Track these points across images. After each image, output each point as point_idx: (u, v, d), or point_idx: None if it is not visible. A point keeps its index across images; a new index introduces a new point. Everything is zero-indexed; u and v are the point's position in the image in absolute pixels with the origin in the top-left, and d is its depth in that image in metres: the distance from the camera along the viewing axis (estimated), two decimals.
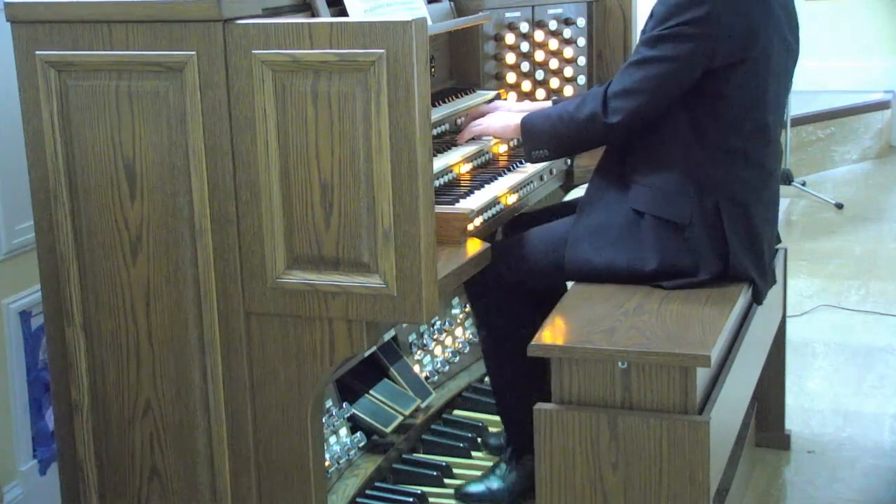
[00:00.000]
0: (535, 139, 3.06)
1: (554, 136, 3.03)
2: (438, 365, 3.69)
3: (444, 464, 3.36)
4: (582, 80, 3.76)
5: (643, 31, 2.93)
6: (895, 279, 5.37)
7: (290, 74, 2.39)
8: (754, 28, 2.84)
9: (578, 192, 3.74)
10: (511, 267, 3.05)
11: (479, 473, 3.33)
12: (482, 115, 3.35)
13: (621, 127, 2.90)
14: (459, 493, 3.24)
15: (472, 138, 3.32)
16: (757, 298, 3.06)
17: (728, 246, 2.89)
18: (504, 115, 3.30)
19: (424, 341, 3.64)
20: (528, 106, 3.43)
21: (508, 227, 3.35)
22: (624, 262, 2.91)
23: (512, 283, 3.07)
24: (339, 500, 3.05)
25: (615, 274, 2.93)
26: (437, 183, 3.04)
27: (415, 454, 3.44)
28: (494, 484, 3.22)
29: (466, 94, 3.54)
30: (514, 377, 3.15)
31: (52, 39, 2.55)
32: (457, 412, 3.66)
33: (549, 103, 3.46)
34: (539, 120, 3.07)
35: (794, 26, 3.04)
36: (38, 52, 2.56)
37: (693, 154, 2.89)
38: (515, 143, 3.41)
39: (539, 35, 3.73)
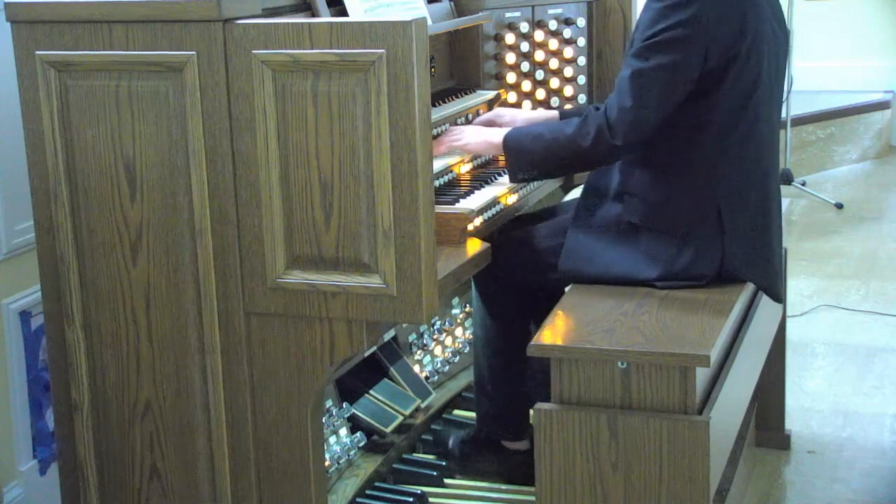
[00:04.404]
0: (523, 160, 2.98)
1: (548, 159, 2.95)
2: (438, 365, 3.69)
3: (444, 464, 3.36)
4: (582, 80, 3.76)
5: (632, 43, 2.88)
6: (895, 279, 5.37)
7: (290, 74, 2.39)
8: (742, 22, 2.82)
9: (578, 193, 3.75)
10: (510, 259, 3.04)
11: (478, 474, 3.35)
12: (489, 121, 3.31)
13: (630, 146, 2.85)
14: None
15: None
16: (776, 297, 3.06)
17: (728, 249, 2.87)
18: (482, 131, 3.18)
19: (424, 341, 3.64)
20: (530, 115, 3.40)
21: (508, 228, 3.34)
22: (619, 274, 2.91)
23: (510, 275, 3.07)
24: (339, 500, 3.05)
25: (609, 283, 2.93)
26: (437, 183, 3.04)
27: (415, 454, 3.44)
28: (455, 445, 3.34)
29: (466, 94, 3.54)
30: (504, 369, 3.17)
31: (52, 39, 2.55)
32: (457, 412, 3.66)
33: (537, 113, 3.42)
34: (528, 141, 2.99)
35: (779, 16, 3.02)
36: (38, 52, 2.56)
37: (689, 161, 2.87)
38: None
39: (539, 35, 3.73)
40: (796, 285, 5.13)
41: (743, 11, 2.83)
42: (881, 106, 7.63)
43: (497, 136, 3.08)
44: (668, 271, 2.87)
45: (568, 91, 3.76)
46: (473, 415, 3.64)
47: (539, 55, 3.74)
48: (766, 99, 2.94)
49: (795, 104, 6.83)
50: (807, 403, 4.09)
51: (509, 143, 3.01)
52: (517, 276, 3.09)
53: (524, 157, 2.98)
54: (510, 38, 3.70)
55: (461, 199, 2.94)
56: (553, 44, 3.75)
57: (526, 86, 3.74)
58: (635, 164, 2.93)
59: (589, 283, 2.95)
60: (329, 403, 3.14)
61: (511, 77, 3.72)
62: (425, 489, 3.24)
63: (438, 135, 3.24)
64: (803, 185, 6.67)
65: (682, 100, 2.82)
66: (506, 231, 3.10)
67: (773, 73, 2.95)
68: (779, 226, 3.07)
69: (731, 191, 2.89)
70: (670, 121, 2.85)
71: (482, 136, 3.15)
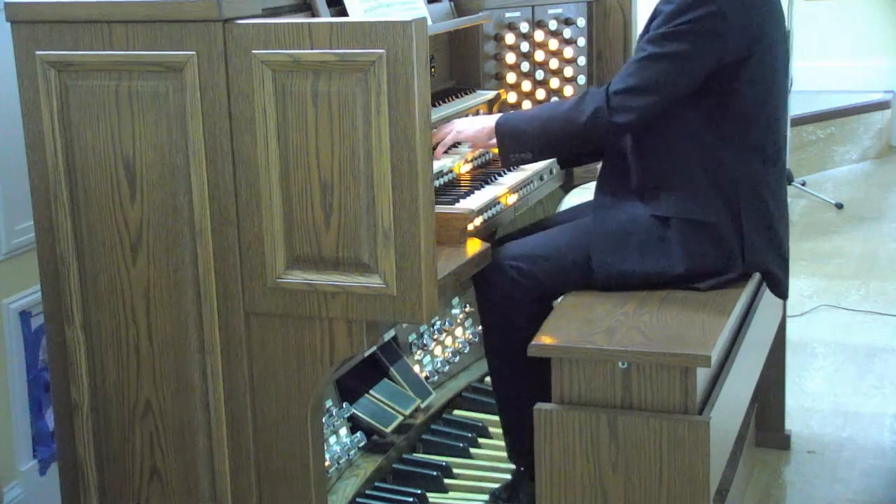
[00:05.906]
0: (516, 142, 2.97)
1: (542, 138, 2.94)
2: (438, 365, 3.69)
3: (444, 464, 3.36)
4: (582, 80, 3.76)
5: (646, 30, 2.88)
6: (895, 279, 5.37)
7: (290, 74, 2.39)
8: (760, 22, 2.84)
9: (578, 193, 3.75)
10: (537, 268, 2.93)
11: (478, 473, 3.34)
12: (442, 137, 3.18)
13: (627, 126, 2.86)
14: None
15: (447, 150, 3.21)
16: (781, 293, 3.06)
17: (746, 241, 2.88)
18: (475, 119, 3.19)
19: (424, 341, 3.64)
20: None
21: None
22: (652, 270, 2.88)
23: (534, 286, 2.95)
24: (339, 500, 3.05)
25: (645, 281, 2.89)
26: (437, 183, 3.04)
27: (415, 454, 3.44)
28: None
29: (466, 94, 3.54)
30: (525, 386, 3.03)
31: (52, 39, 2.55)
32: (457, 412, 3.66)
33: None
34: (521, 122, 2.99)
35: (782, 18, 3.05)
36: (38, 52, 2.56)
37: (711, 153, 2.87)
38: None
39: (539, 35, 3.73)
40: (796, 285, 5.12)
41: (761, 13, 2.85)
42: (881, 106, 7.63)
43: (489, 120, 3.08)
44: (703, 263, 2.86)
45: (568, 91, 3.75)
46: (473, 415, 3.65)
47: (539, 55, 3.74)
48: (781, 98, 2.97)
49: (795, 104, 6.82)
50: (807, 403, 4.09)
51: (501, 127, 3.01)
52: (546, 290, 2.98)
53: (517, 137, 2.98)
54: (510, 38, 3.70)
55: (461, 199, 2.94)
56: (553, 44, 3.75)
57: (526, 86, 3.74)
58: (656, 159, 2.91)
59: (625, 283, 2.89)
60: (329, 403, 3.14)
61: (511, 77, 3.72)
62: (425, 489, 3.24)
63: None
64: (803, 185, 6.67)
65: (687, 93, 2.82)
66: (517, 253, 2.98)
67: (783, 74, 2.98)
68: (787, 220, 3.09)
69: (751, 184, 2.89)
70: (691, 116, 2.85)
71: (476, 123, 3.14)
